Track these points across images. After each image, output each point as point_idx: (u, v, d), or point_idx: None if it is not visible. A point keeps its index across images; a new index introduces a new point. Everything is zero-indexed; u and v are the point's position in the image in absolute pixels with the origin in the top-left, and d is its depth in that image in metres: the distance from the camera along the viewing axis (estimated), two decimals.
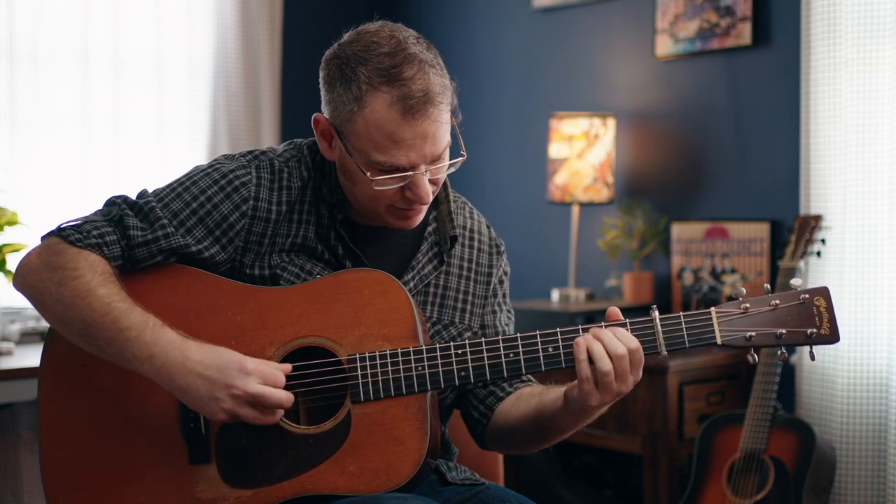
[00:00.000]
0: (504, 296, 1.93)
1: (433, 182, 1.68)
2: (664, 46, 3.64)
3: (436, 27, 4.37)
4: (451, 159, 1.70)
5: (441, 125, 1.64)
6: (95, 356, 1.65)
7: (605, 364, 1.59)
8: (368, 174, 1.64)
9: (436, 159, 1.65)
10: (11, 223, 2.96)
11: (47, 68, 3.60)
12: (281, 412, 1.59)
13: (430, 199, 1.68)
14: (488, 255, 1.90)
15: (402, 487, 1.60)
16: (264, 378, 1.56)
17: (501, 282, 1.92)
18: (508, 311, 1.94)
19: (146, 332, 1.58)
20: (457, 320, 1.84)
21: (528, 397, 1.80)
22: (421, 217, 1.73)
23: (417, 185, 1.65)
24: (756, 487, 2.90)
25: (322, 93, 1.69)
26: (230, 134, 4.04)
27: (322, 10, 4.46)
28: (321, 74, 1.69)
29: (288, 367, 1.60)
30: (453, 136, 1.69)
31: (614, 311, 1.66)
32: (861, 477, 3.01)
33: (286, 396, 1.56)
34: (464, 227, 1.88)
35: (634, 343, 1.61)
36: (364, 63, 1.61)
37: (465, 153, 1.70)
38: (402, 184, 1.65)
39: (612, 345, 1.60)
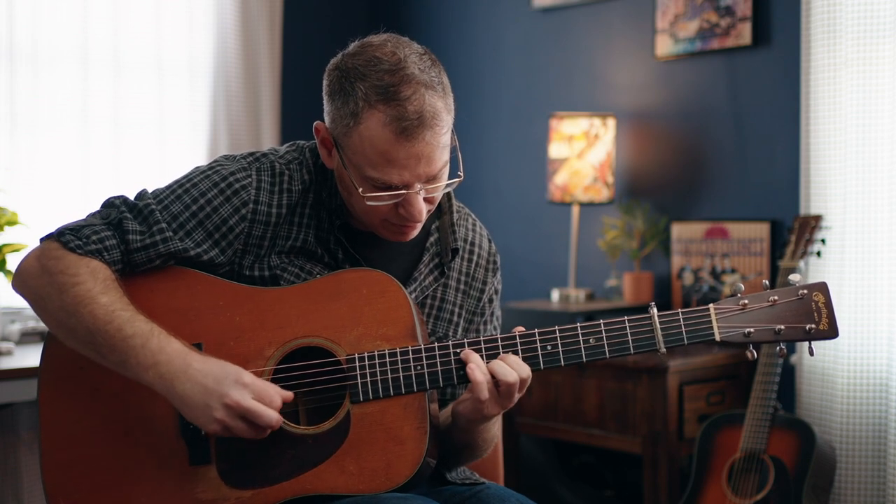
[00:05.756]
0: (492, 314, 1.92)
1: (429, 200, 1.68)
2: (664, 46, 3.64)
3: (436, 27, 4.37)
4: (450, 178, 1.69)
5: (436, 148, 1.62)
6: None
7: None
8: (361, 190, 1.63)
9: (431, 179, 1.64)
10: (11, 223, 2.96)
11: (47, 68, 3.59)
12: (269, 430, 1.59)
13: (424, 217, 1.67)
14: (484, 271, 1.89)
15: (401, 487, 1.60)
16: (259, 395, 1.56)
17: (491, 300, 1.91)
18: (495, 329, 1.93)
19: (151, 340, 1.58)
20: (451, 333, 1.84)
21: (445, 412, 1.80)
22: (416, 232, 1.72)
23: (410, 204, 1.64)
24: (756, 487, 2.90)
25: (324, 102, 1.69)
26: (230, 134, 4.04)
27: (322, 10, 4.46)
28: (324, 83, 1.68)
29: (290, 395, 1.60)
30: (453, 156, 1.68)
31: (519, 330, 1.67)
32: (861, 477, 3.01)
33: (276, 418, 1.57)
34: (465, 240, 1.87)
35: (525, 372, 1.63)
36: (363, 79, 1.60)
37: (462, 174, 1.69)
38: (394, 201, 1.64)
39: (502, 374, 1.61)
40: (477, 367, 1.61)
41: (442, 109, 1.62)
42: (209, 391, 1.55)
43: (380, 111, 1.59)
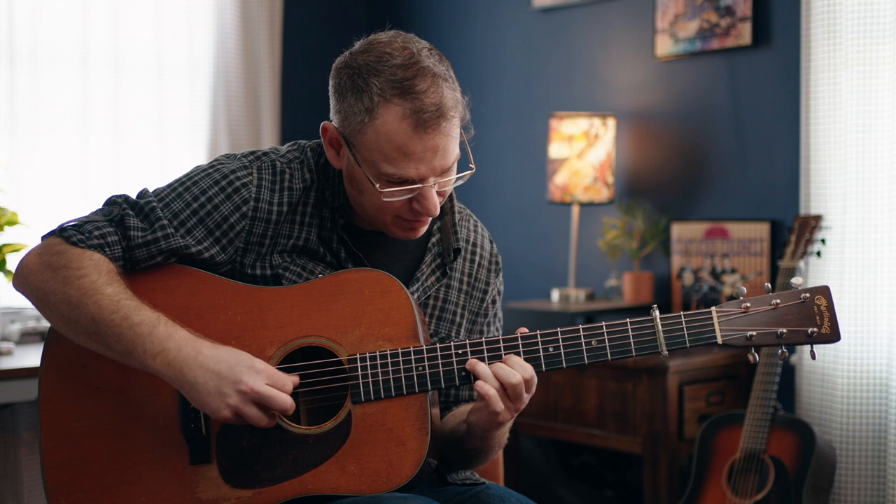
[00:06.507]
0: (494, 316, 1.92)
1: (440, 194, 1.68)
2: (664, 46, 3.64)
3: (436, 27, 4.37)
4: (459, 172, 1.69)
5: (452, 139, 1.64)
6: (96, 356, 1.65)
7: (494, 383, 1.61)
8: (377, 186, 1.63)
9: (445, 172, 1.65)
10: (11, 223, 2.96)
11: (47, 68, 3.59)
12: (277, 420, 1.59)
13: (437, 212, 1.68)
14: (486, 272, 1.90)
15: (402, 487, 1.61)
16: (272, 380, 1.56)
17: (494, 301, 1.91)
18: (497, 331, 1.93)
19: (158, 327, 1.58)
20: (453, 334, 1.84)
21: (455, 415, 1.81)
22: (425, 229, 1.73)
23: (426, 198, 1.65)
24: (756, 487, 2.90)
25: (332, 101, 1.68)
26: (230, 134, 4.04)
27: (322, 10, 4.46)
28: (331, 83, 1.68)
29: (296, 378, 1.60)
30: (462, 149, 1.69)
31: (522, 331, 1.66)
32: (861, 477, 3.01)
33: (290, 403, 1.57)
34: (467, 241, 1.87)
35: (529, 372, 1.62)
36: (376, 74, 1.61)
37: (473, 166, 1.70)
38: (410, 196, 1.65)
39: (505, 375, 1.60)
40: (485, 381, 1.60)
41: (457, 101, 1.64)
42: (222, 377, 1.54)
43: (396, 105, 1.59)
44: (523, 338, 1.64)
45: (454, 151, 1.65)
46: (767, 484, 2.89)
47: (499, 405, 1.60)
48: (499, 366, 1.61)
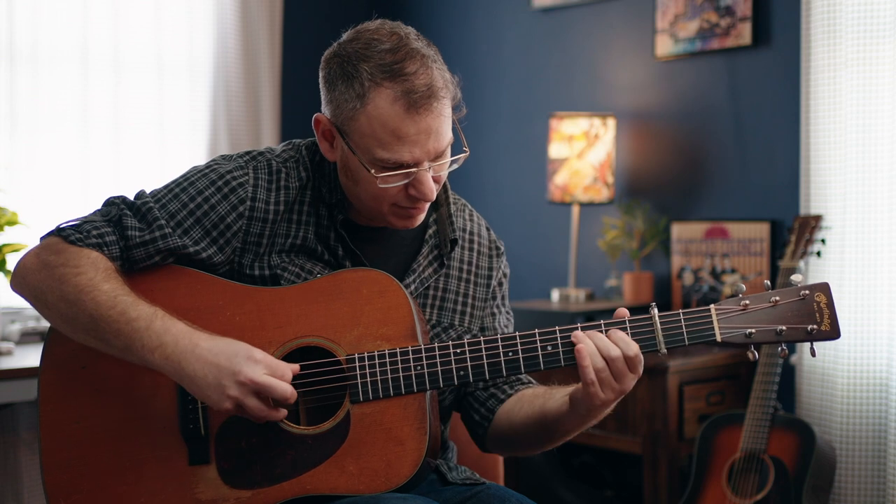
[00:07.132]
0: (503, 298, 1.92)
1: (436, 179, 1.68)
2: (664, 46, 3.64)
3: (436, 27, 4.37)
4: (453, 156, 1.70)
5: (444, 119, 1.64)
6: (95, 357, 1.65)
7: (598, 362, 1.59)
8: (373, 171, 1.63)
9: (439, 155, 1.65)
10: (11, 223, 2.96)
11: (47, 68, 3.60)
12: (284, 411, 1.58)
13: (434, 196, 1.67)
14: (488, 258, 1.90)
15: (401, 487, 1.60)
16: (271, 370, 1.56)
17: (501, 284, 1.92)
18: (508, 313, 1.93)
19: (156, 322, 1.58)
20: (456, 323, 1.83)
21: (532, 398, 1.79)
22: (422, 216, 1.73)
23: (421, 182, 1.65)
24: (756, 487, 2.90)
25: (322, 93, 1.69)
26: (230, 134, 4.05)
27: (322, 10, 4.46)
28: (321, 74, 1.68)
29: (296, 367, 1.60)
30: (455, 132, 1.69)
31: (622, 311, 1.65)
32: (861, 477, 3.01)
33: (291, 391, 1.56)
34: (463, 230, 1.88)
35: (633, 349, 1.60)
36: (366, 60, 1.61)
37: (467, 149, 1.70)
38: (406, 181, 1.65)
39: (605, 348, 1.59)
40: (584, 346, 1.59)
41: (447, 80, 1.65)
42: (221, 369, 1.54)
43: (387, 88, 1.60)
44: (521, 336, 1.64)
45: (447, 133, 1.65)
46: (767, 484, 2.88)
47: (590, 375, 1.58)
48: (600, 337, 1.60)
